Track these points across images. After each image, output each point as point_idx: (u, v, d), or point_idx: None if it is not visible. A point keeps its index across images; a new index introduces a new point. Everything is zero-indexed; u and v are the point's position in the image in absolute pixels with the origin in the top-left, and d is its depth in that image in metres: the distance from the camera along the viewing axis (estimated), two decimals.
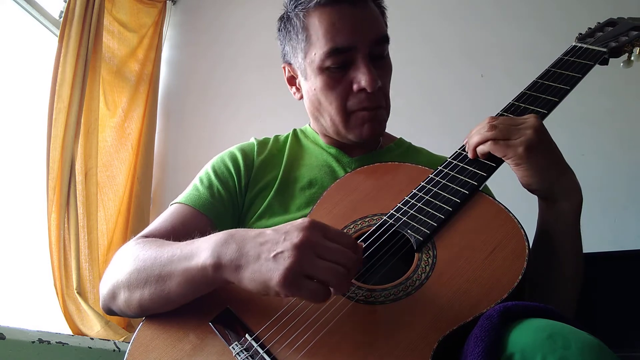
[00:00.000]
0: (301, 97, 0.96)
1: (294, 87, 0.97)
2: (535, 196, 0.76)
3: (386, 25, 0.93)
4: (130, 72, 2.35)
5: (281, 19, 0.96)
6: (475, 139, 0.74)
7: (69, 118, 1.89)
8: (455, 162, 0.76)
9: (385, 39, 0.88)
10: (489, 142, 0.71)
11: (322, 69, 0.86)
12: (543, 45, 1.81)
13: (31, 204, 1.88)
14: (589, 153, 1.71)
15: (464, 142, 0.78)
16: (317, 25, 0.85)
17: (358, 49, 0.84)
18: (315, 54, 0.86)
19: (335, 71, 0.85)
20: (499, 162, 0.73)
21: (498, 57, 1.96)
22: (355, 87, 0.85)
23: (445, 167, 0.76)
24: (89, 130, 2.01)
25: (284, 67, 0.98)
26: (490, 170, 0.73)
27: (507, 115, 0.77)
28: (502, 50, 1.97)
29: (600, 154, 1.70)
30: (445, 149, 1.02)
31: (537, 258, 0.73)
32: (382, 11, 0.92)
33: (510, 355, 0.48)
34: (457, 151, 0.78)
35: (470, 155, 0.76)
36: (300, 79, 0.93)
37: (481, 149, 0.73)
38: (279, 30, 0.97)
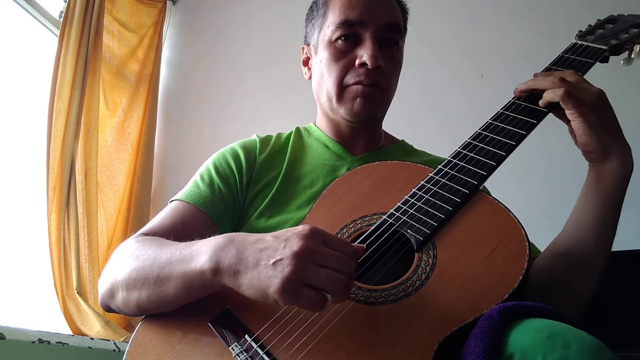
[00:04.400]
0: (309, 78, 0.99)
1: (306, 68, 1.01)
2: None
3: (405, 28, 0.97)
4: (130, 72, 2.35)
5: (311, 3, 1.00)
6: (543, 84, 0.74)
7: (69, 118, 1.89)
8: (455, 160, 0.76)
9: (396, 28, 0.91)
10: (562, 92, 0.71)
11: (331, 42, 0.90)
12: (543, 45, 1.81)
13: (31, 204, 1.88)
14: None
15: (517, 88, 0.78)
16: (336, 1, 0.91)
17: (367, 26, 0.88)
18: (328, 27, 0.91)
19: (342, 45, 0.89)
20: (500, 160, 0.73)
21: (498, 57, 1.96)
22: (357, 62, 0.87)
23: (445, 166, 0.76)
24: (89, 130, 2.01)
25: (302, 49, 1.01)
26: (491, 170, 0.73)
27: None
28: (502, 50, 1.97)
29: None
30: (444, 149, 1.02)
31: (571, 233, 0.74)
32: (402, 10, 0.96)
33: (510, 355, 0.48)
34: (457, 150, 0.78)
35: (521, 90, 0.77)
36: (313, 57, 0.97)
37: (550, 97, 0.73)
38: (306, 14, 1.02)
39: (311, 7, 0.99)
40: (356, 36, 0.89)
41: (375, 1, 0.90)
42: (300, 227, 0.58)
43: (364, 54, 0.86)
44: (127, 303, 0.69)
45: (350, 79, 0.88)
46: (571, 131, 0.74)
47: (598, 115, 0.71)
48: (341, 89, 0.89)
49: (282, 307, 0.62)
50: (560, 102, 0.71)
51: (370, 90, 0.88)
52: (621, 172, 0.71)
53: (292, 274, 0.54)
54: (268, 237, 0.59)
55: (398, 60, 0.94)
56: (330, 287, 0.55)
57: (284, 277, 0.54)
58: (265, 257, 0.57)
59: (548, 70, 0.82)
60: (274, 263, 0.55)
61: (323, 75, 0.91)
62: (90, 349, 1.25)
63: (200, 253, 0.63)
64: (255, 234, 0.62)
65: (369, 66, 0.85)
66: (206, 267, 0.61)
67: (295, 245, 0.56)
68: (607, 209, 0.72)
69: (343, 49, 0.89)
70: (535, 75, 0.80)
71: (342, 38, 0.89)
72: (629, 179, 0.72)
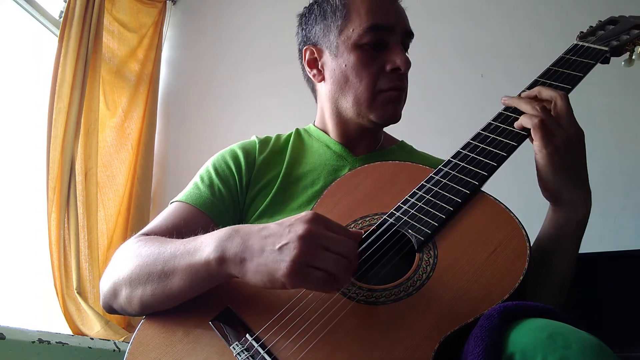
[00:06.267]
0: (321, 80, 0.96)
1: (314, 70, 0.97)
2: (537, 198, 0.76)
3: None
4: (130, 72, 2.35)
5: (313, 3, 0.99)
6: (524, 106, 0.75)
7: (69, 118, 1.89)
8: (456, 161, 0.76)
9: (411, 35, 0.94)
10: (536, 121, 0.71)
11: (358, 46, 0.89)
12: (542, 45, 1.81)
13: (31, 204, 1.88)
14: (588, 153, 1.71)
15: (504, 98, 0.79)
16: (359, 4, 0.91)
17: (395, 31, 0.89)
18: (353, 30, 0.90)
19: (370, 49, 0.89)
20: (501, 161, 0.73)
21: (497, 58, 1.96)
22: (388, 66, 0.88)
23: (446, 166, 0.76)
24: (89, 130, 2.01)
25: (305, 50, 0.98)
26: (492, 170, 0.73)
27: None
28: (501, 50, 1.97)
29: (599, 154, 1.70)
30: (444, 150, 1.02)
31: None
32: None
33: (511, 355, 0.48)
34: (458, 150, 0.78)
35: (505, 103, 0.78)
36: (327, 59, 0.94)
37: (525, 122, 0.73)
38: (305, 15, 1.00)
39: (318, 6, 0.96)
40: (382, 41, 0.89)
41: (398, 7, 0.93)
42: (303, 213, 0.60)
43: (397, 59, 0.87)
44: (130, 301, 0.69)
45: (383, 84, 0.89)
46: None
47: (563, 157, 0.71)
48: (373, 94, 0.89)
49: (284, 306, 0.63)
50: (531, 131, 0.72)
51: (402, 95, 0.91)
52: (574, 219, 0.73)
53: (298, 256, 0.55)
54: (272, 224, 0.61)
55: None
56: (334, 268, 0.56)
57: (291, 259, 0.55)
58: (271, 243, 0.58)
59: (548, 72, 0.82)
60: (280, 248, 0.57)
61: (348, 80, 0.90)
62: (90, 349, 1.25)
63: (205, 245, 0.64)
64: (259, 224, 0.63)
65: (402, 71, 0.87)
66: (212, 257, 0.62)
67: (299, 229, 0.57)
68: (564, 244, 0.74)
69: (371, 54, 0.89)
70: (535, 85, 0.79)
71: (371, 42, 0.89)
72: (584, 225, 0.74)
